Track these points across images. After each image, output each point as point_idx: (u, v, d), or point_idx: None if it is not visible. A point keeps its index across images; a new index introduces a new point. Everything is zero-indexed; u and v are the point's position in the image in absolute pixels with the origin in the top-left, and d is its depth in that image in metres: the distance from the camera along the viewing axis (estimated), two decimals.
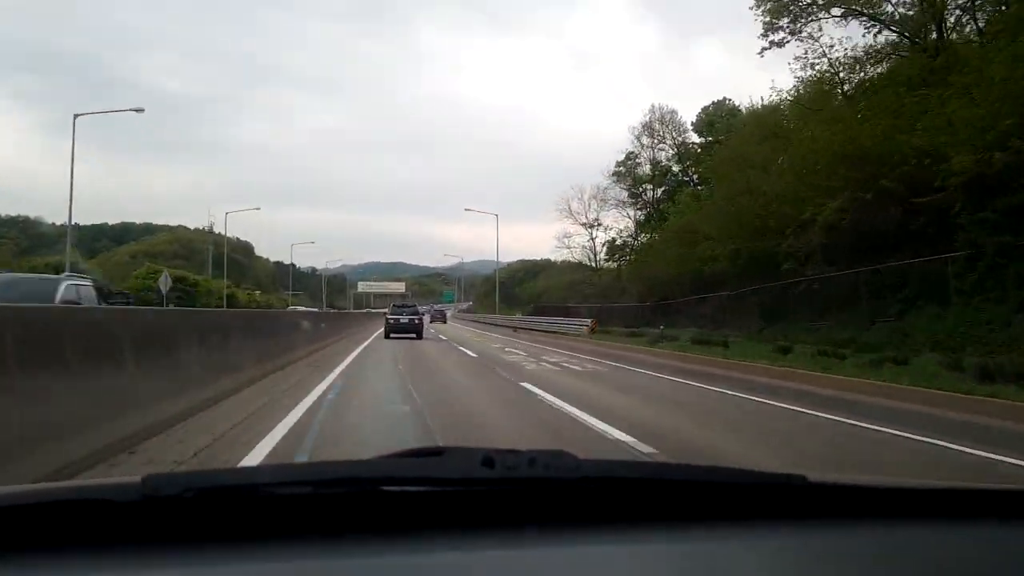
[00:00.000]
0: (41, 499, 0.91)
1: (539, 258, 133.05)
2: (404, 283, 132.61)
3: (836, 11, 24.17)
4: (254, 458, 5.01)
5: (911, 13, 23.26)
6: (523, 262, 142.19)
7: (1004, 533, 1.11)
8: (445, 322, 61.79)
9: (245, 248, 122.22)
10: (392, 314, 26.89)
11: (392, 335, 25.38)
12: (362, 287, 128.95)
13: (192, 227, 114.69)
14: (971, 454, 5.92)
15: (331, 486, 0.97)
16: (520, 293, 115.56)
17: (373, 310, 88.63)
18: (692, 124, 49.77)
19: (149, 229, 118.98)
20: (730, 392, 10.15)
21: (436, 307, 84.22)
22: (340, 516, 0.96)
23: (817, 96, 25.34)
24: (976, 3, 21.55)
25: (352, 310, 74.16)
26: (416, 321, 26.34)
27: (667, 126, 51.48)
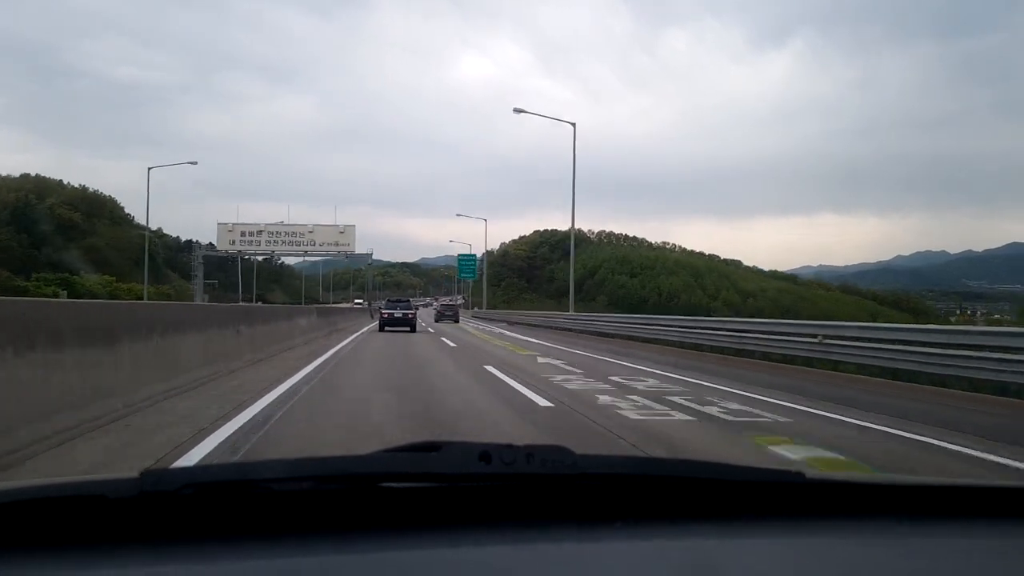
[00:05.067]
0: (36, 495, 0.91)
1: (563, 228, 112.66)
2: (371, 252, 61.61)
3: None
4: None
5: None
6: (540, 233, 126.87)
7: (1002, 530, 1.10)
8: (457, 321, 40.61)
9: (93, 201, 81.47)
10: (387, 308, 28.58)
11: (387, 328, 27.06)
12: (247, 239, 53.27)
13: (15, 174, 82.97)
14: None
15: (328, 482, 0.97)
16: (550, 275, 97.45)
17: (320, 304, 50.71)
18: None
19: None
20: None
21: (444, 300, 61.05)
22: (337, 511, 0.96)
23: None
24: None
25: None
26: (409, 315, 27.86)
27: None
